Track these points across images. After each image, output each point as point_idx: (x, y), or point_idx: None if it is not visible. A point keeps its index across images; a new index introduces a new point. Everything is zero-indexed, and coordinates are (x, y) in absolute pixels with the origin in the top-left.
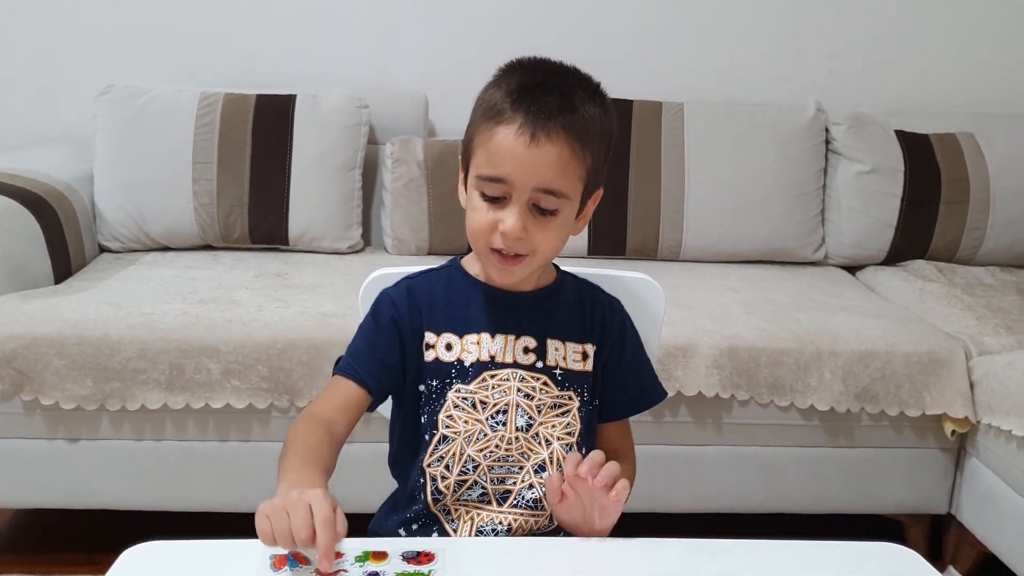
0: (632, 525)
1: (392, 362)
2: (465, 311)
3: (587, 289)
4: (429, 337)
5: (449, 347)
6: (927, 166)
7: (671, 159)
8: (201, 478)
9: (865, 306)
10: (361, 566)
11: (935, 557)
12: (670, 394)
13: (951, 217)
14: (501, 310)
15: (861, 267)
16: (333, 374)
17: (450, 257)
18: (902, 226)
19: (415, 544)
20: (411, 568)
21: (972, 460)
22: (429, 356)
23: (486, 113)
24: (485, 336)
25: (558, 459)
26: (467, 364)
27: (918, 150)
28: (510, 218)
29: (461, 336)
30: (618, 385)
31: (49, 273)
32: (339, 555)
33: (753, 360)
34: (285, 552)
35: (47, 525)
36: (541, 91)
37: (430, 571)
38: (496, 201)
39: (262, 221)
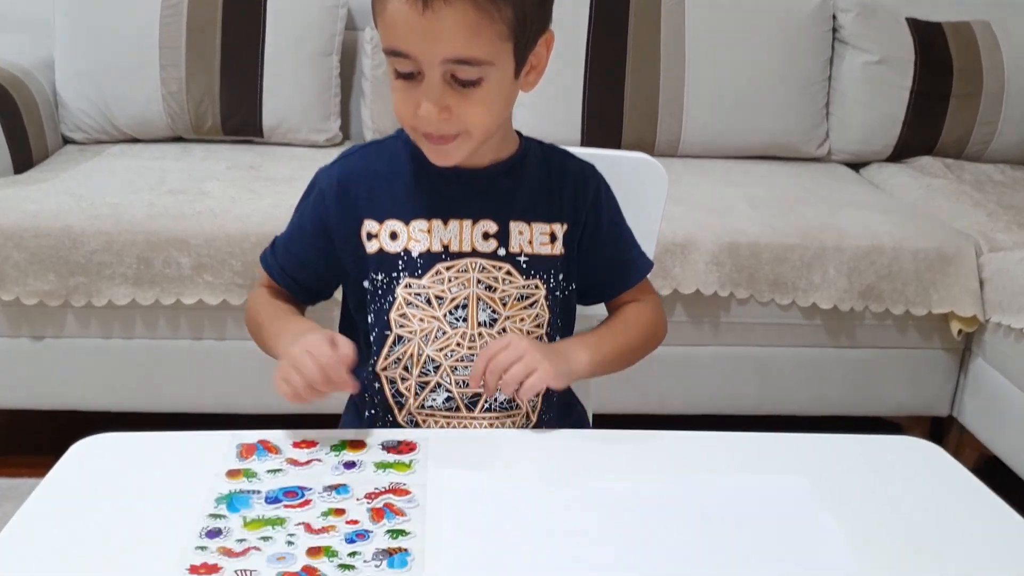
0: (623, 426)
1: (310, 261)
2: (411, 193)
3: (555, 158)
4: (370, 225)
5: (394, 236)
6: (939, 57)
7: (671, 48)
8: (174, 377)
9: (871, 202)
10: (337, 455)
11: None
12: (666, 293)
13: (961, 111)
14: (454, 190)
15: (864, 164)
16: (261, 258)
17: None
18: (910, 120)
19: (395, 434)
20: (391, 457)
21: (978, 361)
22: (372, 247)
23: None
24: (436, 223)
25: None
26: (415, 255)
27: (930, 39)
28: (425, 99)
29: (407, 223)
30: (597, 260)
31: (8, 164)
32: (312, 444)
33: (755, 256)
34: (253, 441)
35: (11, 425)
36: None
37: (411, 461)
38: (411, 77)
39: (235, 111)
